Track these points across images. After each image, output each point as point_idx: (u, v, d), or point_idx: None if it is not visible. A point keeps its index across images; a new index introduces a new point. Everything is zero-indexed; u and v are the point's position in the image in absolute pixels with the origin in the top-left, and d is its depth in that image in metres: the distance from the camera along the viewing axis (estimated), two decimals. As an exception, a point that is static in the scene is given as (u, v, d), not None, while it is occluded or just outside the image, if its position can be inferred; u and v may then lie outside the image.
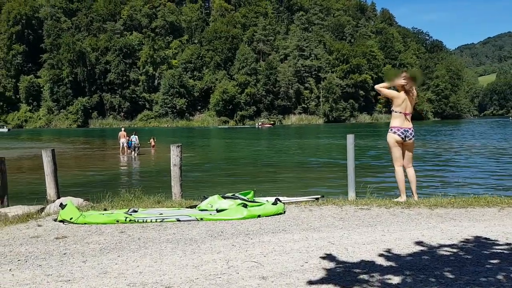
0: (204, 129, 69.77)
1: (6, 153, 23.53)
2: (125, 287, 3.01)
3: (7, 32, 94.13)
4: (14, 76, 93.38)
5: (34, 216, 5.61)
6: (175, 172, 7.02)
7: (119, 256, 3.77)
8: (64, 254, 3.87)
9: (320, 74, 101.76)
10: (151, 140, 26.78)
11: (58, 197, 7.02)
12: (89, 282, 3.12)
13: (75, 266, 3.50)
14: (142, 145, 24.78)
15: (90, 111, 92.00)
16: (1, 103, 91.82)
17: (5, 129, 73.58)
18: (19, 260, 3.71)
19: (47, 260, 3.71)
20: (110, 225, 4.97)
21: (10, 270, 3.46)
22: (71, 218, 5.09)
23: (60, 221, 5.13)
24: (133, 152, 23.49)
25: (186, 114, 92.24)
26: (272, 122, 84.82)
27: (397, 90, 6.04)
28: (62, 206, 5.47)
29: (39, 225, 5.03)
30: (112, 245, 4.14)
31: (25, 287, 3.06)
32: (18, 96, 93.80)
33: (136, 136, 23.86)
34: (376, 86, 6.20)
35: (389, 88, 6.22)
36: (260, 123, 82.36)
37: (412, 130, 6.04)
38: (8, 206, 6.46)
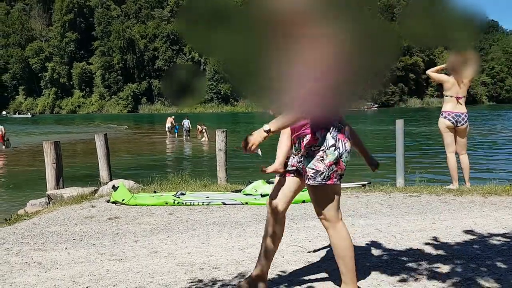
0: (249, 115, 70.03)
1: (59, 137, 24.68)
2: (175, 267, 3.11)
3: (61, 20, 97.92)
4: (67, 63, 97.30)
5: (88, 197, 5.88)
6: (220, 157, 7.11)
7: (168, 236, 3.89)
8: (117, 234, 4.04)
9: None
10: (199, 126, 27.48)
11: (111, 180, 7.30)
12: (140, 261, 3.25)
13: (127, 246, 3.65)
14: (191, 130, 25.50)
15: (140, 97, 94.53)
16: (56, 90, 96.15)
17: (28, 115, 78.99)
18: (74, 239, 3.92)
19: (100, 239, 3.89)
20: (160, 206, 5.13)
21: (66, 248, 3.65)
22: (123, 200, 5.29)
23: (113, 202, 5.35)
24: (184, 136, 24.43)
25: (231, 99, 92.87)
26: (378, 106, 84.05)
27: (448, 74, 5.83)
28: (114, 188, 5.69)
29: (92, 206, 5.27)
30: (162, 226, 4.28)
31: (80, 265, 3.22)
32: (71, 83, 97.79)
33: (188, 121, 24.79)
34: (428, 72, 6.04)
35: (441, 72, 6.02)
36: (366, 106, 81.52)
37: (465, 115, 5.79)
38: (63, 187, 6.79)
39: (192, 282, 2.81)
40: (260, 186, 5.63)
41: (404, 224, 4.10)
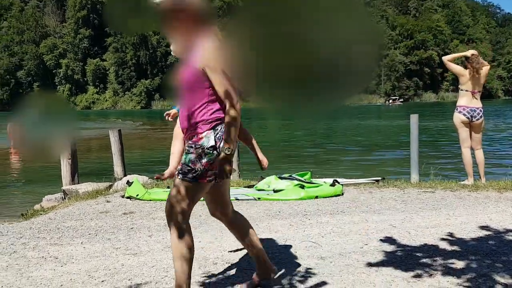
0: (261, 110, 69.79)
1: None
2: (188, 262, 3.13)
3: (74, 17, 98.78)
4: (81, 60, 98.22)
5: (103, 192, 5.95)
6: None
7: (181, 232, 3.92)
8: (131, 228, 4.09)
9: (381, 50, 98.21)
10: None
11: (125, 175, 7.37)
12: (154, 256, 3.28)
13: (142, 240, 3.69)
14: None
15: (153, 93, 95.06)
16: (70, 86, 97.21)
17: None
18: (89, 234, 3.97)
19: (115, 234, 3.93)
20: (173, 202, 5.16)
21: (81, 243, 3.70)
22: (137, 195, 5.34)
23: (127, 197, 5.41)
24: None
25: (242, 95, 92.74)
26: (402, 100, 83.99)
27: (465, 67, 5.74)
28: (129, 183, 5.75)
29: (107, 201, 5.33)
30: (175, 221, 4.30)
31: (95, 259, 3.26)
32: (85, 79, 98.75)
33: None
34: (444, 58, 5.93)
35: (456, 62, 5.93)
36: (390, 100, 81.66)
37: (480, 110, 5.72)
38: (78, 183, 6.87)
39: (205, 276, 2.84)
40: (273, 182, 5.63)
41: (418, 220, 4.07)
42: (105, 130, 17.30)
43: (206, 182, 2.25)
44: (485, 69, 5.73)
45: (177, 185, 2.26)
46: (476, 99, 5.71)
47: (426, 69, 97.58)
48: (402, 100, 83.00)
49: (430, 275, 2.71)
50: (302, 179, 5.79)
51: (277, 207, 4.78)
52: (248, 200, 5.16)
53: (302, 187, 5.35)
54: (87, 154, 16.47)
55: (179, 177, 2.24)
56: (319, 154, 15.50)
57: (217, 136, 2.21)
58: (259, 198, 5.18)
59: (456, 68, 5.80)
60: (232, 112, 2.17)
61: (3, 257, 3.38)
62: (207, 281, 2.76)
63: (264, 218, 4.29)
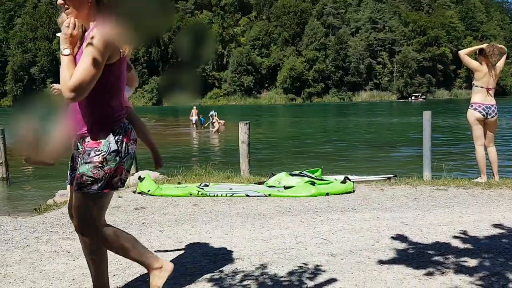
0: (271, 107, 69.76)
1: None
2: (199, 257, 3.14)
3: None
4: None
5: (115, 188, 5.98)
6: (243, 149, 7.13)
7: (192, 227, 3.94)
8: (143, 223, 4.11)
9: (394, 47, 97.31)
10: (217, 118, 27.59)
11: (137, 171, 7.41)
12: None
13: (153, 235, 3.71)
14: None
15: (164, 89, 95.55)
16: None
17: None
18: (102, 228, 3.99)
19: (127, 229, 3.95)
20: (184, 197, 5.19)
21: (94, 237, 3.73)
22: (148, 191, 5.38)
23: (139, 193, 5.45)
24: (210, 127, 24.65)
25: (254, 91, 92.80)
26: (424, 97, 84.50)
27: (480, 63, 5.66)
28: (140, 179, 5.78)
29: (119, 197, 5.37)
30: (186, 216, 4.33)
31: (107, 254, 3.28)
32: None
33: (216, 113, 25.01)
34: (460, 52, 5.85)
35: (473, 56, 5.84)
36: (413, 97, 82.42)
37: (495, 107, 5.65)
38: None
39: (216, 271, 2.84)
40: (284, 178, 5.63)
41: (430, 217, 4.03)
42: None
43: (111, 190, 2.08)
44: (503, 59, 5.62)
45: (80, 199, 2.07)
46: (491, 96, 5.63)
47: (439, 65, 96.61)
48: (424, 97, 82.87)
49: (442, 273, 2.68)
50: (313, 176, 5.78)
51: (288, 203, 4.77)
52: (258, 196, 5.16)
53: (313, 184, 5.33)
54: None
55: (81, 190, 2.04)
56: (330, 150, 15.44)
57: (117, 139, 2.05)
58: (269, 195, 5.18)
59: (473, 63, 5.70)
60: (66, 86, 1.91)
61: (17, 250, 3.43)
62: (217, 276, 2.77)
63: (275, 215, 4.29)
